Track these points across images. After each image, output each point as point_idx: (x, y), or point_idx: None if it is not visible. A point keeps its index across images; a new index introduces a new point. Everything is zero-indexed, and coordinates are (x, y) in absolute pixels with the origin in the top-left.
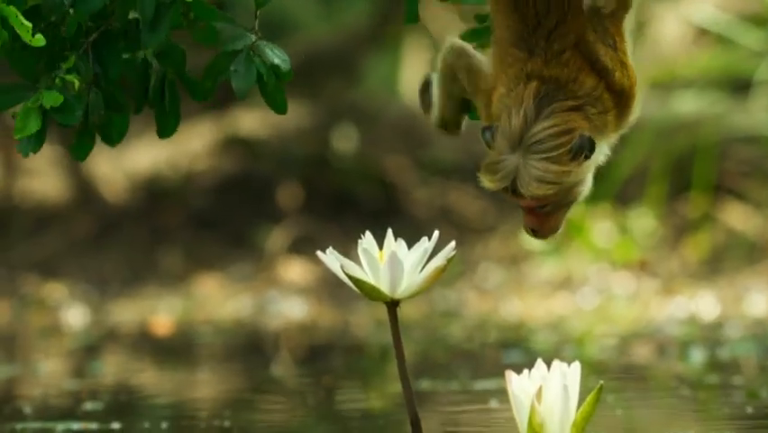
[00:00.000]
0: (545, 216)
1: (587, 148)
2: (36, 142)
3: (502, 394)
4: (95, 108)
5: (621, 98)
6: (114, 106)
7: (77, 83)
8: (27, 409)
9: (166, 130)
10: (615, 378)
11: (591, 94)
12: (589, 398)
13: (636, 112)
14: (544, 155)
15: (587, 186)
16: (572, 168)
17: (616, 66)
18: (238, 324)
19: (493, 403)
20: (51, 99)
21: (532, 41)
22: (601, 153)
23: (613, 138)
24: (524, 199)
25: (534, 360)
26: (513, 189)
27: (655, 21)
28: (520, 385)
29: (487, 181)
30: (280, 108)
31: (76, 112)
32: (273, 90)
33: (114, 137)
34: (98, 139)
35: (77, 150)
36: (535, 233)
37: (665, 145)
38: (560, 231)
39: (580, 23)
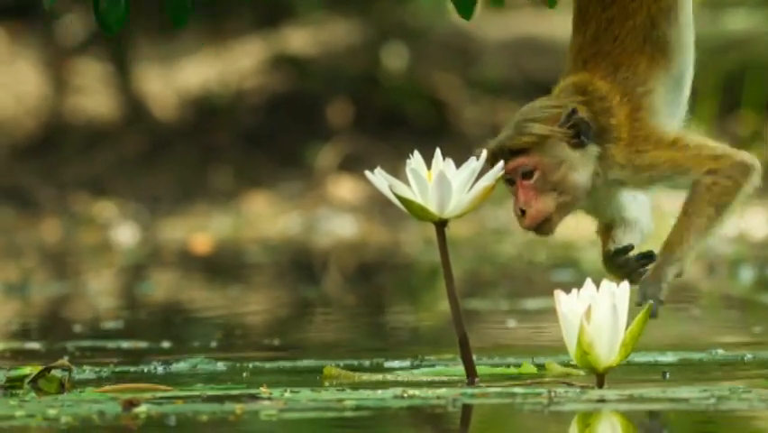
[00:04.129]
0: (534, 192)
1: (580, 125)
2: None
3: (551, 313)
4: None
5: (637, 134)
6: None
7: None
8: (77, 328)
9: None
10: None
11: (603, 96)
12: (638, 317)
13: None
14: (530, 116)
15: (582, 183)
16: (559, 132)
17: (648, 107)
18: (287, 242)
19: (542, 322)
20: None
21: (576, 60)
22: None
23: (616, 170)
24: (510, 161)
25: (584, 279)
26: (501, 150)
27: None
28: (569, 305)
29: (485, 158)
30: None
31: None
32: None
33: (112, 26)
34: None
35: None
36: (524, 214)
37: (715, 63)
38: (552, 227)
39: (634, 59)
